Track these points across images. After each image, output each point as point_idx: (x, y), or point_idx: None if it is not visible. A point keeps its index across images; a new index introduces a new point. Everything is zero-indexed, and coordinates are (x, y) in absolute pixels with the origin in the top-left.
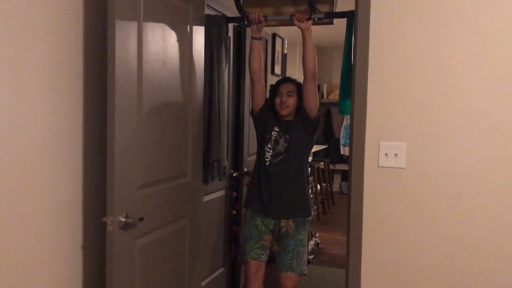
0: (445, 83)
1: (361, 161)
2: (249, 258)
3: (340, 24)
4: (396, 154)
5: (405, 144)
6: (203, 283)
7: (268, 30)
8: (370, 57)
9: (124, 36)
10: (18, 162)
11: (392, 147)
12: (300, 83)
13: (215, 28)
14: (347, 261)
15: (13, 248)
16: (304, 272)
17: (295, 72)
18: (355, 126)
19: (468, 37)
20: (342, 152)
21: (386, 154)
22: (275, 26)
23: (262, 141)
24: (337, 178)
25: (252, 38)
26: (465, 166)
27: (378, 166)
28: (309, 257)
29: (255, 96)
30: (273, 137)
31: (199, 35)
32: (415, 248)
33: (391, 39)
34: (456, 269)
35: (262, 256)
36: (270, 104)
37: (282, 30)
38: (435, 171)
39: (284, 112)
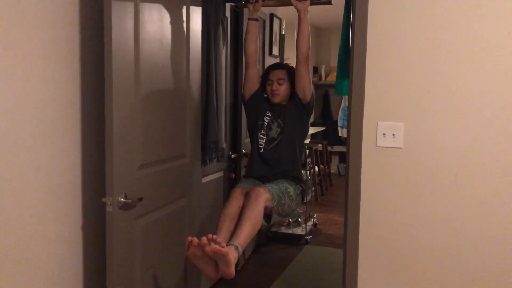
0: (443, 64)
1: (359, 141)
2: (237, 187)
3: (339, 4)
4: (393, 134)
5: (402, 124)
6: None
7: (265, 11)
8: (369, 37)
9: (121, 16)
10: (16, 144)
11: (390, 127)
12: (292, 67)
13: (212, 8)
14: (344, 241)
15: (13, 231)
16: (274, 206)
17: (293, 54)
18: (353, 106)
19: (468, 18)
20: (340, 134)
21: (384, 134)
22: (272, 6)
23: (254, 128)
24: (335, 160)
25: (249, 19)
26: (462, 145)
27: (376, 146)
28: (307, 237)
29: (248, 81)
30: (265, 123)
31: (196, 15)
32: (412, 227)
33: (390, 19)
34: (453, 248)
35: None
36: (262, 90)
37: (279, 11)
38: (433, 150)
39: (276, 100)
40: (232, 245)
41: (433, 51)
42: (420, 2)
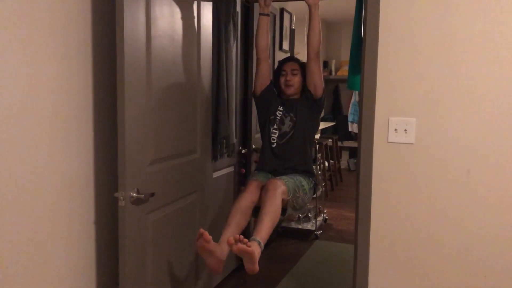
0: (456, 58)
1: (371, 136)
2: (253, 179)
3: None
4: (405, 130)
5: (414, 119)
6: None
7: (275, 5)
8: (381, 32)
9: (133, 12)
10: (29, 140)
11: (401, 122)
12: (304, 63)
13: (222, 3)
14: (355, 237)
15: (27, 226)
16: (289, 198)
17: (303, 48)
18: (365, 102)
19: (483, 13)
20: (350, 129)
21: (395, 129)
22: (283, 0)
23: (266, 123)
24: (345, 155)
25: (260, 14)
26: (475, 142)
27: (388, 142)
28: (317, 232)
29: (259, 76)
30: (278, 117)
31: (206, 10)
32: (424, 223)
33: (402, 14)
34: (464, 244)
35: (265, 180)
36: (274, 83)
37: (289, 5)
38: (445, 146)
39: (289, 91)
40: (255, 240)
41: (447, 46)
42: None
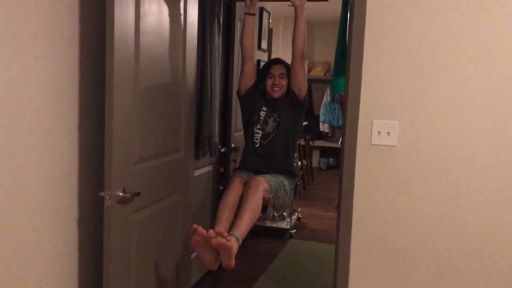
0: (438, 63)
1: (354, 138)
2: (236, 176)
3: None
4: (388, 132)
5: (397, 122)
6: (192, 256)
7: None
8: (366, 35)
9: (122, 8)
10: (12, 138)
11: (385, 125)
12: (289, 64)
13: (208, 2)
14: (337, 237)
15: (8, 224)
16: (271, 197)
17: (278, 48)
18: (349, 104)
19: (466, 20)
20: (321, 129)
21: (378, 132)
22: (269, 1)
23: (250, 123)
24: (315, 155)
25: (246, 13)
26: (455, 144)
27: (371, 144)
28: (291, 231)
29: (245, 75)
30: (261, 118)
31: (192, 8)
32: (405, 223)
33: (388, 18)
34: (443, 245)
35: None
36: (259, 84)
37: (268, 4)
38: (426, 149)
39: (276, 94)
40: (233, 235)
41: (430, 51)
42: (418, 2)
